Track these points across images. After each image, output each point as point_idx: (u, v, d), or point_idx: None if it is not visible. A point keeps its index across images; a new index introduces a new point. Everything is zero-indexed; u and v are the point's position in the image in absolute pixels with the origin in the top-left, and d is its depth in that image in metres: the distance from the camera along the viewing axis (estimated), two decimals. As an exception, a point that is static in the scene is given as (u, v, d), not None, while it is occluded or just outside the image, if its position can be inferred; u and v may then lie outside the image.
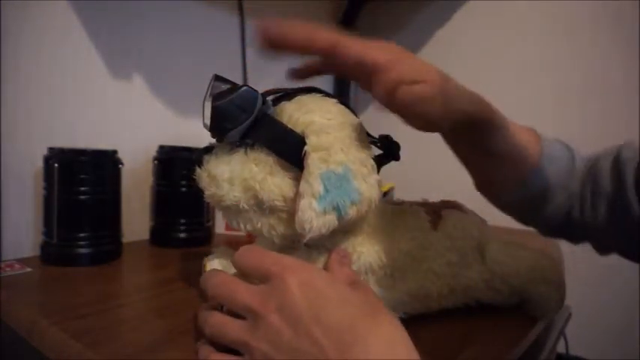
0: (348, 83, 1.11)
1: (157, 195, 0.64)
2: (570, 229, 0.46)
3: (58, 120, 0.62)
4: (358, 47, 0.32)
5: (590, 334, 0.73)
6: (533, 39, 0.89)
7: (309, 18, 1.02)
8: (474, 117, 0.36)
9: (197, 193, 0.63)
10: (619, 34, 0.79)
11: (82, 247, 0.52)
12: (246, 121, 0.34)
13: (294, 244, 0.37)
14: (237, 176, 0.35)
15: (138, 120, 0.71)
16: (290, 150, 0.34)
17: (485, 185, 0.48)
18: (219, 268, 0.42)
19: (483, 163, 0.45)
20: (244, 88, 0.34)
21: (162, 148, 0.64)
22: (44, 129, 0.60)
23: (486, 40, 0.94)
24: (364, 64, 0.31)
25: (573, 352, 0.71)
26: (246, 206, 0.35)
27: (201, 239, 0.66)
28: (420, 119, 0.32)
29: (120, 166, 0.57)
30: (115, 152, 0.56)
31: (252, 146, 0.35)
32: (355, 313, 0.27)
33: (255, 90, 0.34)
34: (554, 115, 0.86)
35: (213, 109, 0.33)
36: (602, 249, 0.46)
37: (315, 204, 0.31)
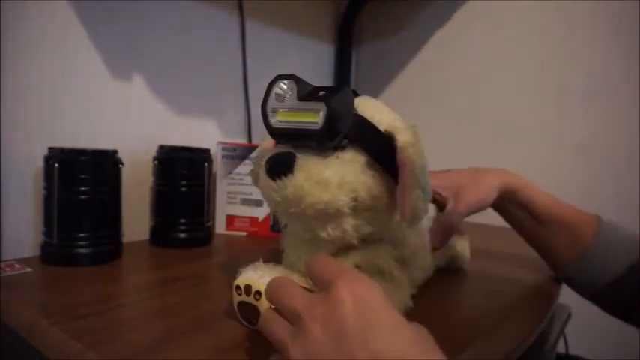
0: (348, 83, 1.11)
1: (157, 195, 0.64)
2: (633, 305, 0.47)
3: (58, 120, 0.62)
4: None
5: (590, 334, 0.73)
6: (533, 39, 0.89)
7: (309, 18, 1.02)
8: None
9: (197, 193, 0.64)
10: (619, 33, 0.79)
11: (82, 247, 0.52)
12: (350, 122, 0.34)
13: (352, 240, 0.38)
14: (344, 179, 0.34)
15: (138, 120, 0.71)
16: (381, 149, 0.35)
17: (544, 258, 0.55)
18: (255, 275, 0.38)
19: (531, 235, 0.54)
20: (346, 87, 0.34)
21: (162, 148, 0.64)
22: (44, 129, 0.60)
23: (486, 40, 0.94)
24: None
25: (573, 352, 0.71)
26: (347, 210, 0.34)
27: (201, 239, 0.66)
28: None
29: (120, 166, 0.57)
30: (115, 152, 0.56)
31: (340, 148, 0.34)
32: (406, 347, 0.24)
33: (352, 89, 0.35)
34: (554, 115, 0.86)
35: (330, 111, 0.32)
36: None
37: (422, 195, 0.34)
